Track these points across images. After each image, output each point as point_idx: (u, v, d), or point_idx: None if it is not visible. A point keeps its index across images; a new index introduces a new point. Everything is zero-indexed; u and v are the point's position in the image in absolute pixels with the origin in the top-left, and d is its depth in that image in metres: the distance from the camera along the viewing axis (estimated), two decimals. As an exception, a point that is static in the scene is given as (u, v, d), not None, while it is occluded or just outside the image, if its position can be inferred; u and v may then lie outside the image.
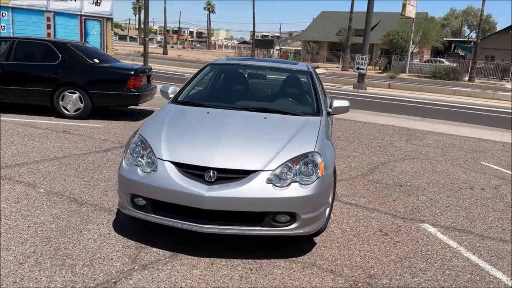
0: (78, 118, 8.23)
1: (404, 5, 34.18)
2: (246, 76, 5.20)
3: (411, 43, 37.29)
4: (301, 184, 3.24)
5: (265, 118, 4.02)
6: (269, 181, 3.19)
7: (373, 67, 40.58)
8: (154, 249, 3.38)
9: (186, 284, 2.94)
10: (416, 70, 37.00)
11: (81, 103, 8.24)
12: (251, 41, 52.64)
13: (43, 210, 3.98)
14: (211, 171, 3.20)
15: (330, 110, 4.47)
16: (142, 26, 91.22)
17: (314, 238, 3.72)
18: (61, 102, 8.23)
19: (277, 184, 3.19)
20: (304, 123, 3.96)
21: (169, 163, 3.31)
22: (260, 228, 3.22)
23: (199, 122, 3.91)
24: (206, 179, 3.19)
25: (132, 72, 8.47)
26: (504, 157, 7.69)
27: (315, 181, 3.29)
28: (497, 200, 5.18)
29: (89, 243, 3.41)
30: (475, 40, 48.73)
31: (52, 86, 8.16)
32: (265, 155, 3.34)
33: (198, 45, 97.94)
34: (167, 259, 3.24)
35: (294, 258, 3.37)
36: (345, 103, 4.54)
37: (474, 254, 3.66)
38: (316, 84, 4.77)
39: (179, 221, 3.26)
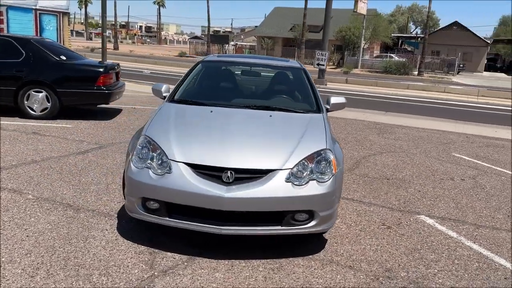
0: (45, 118, 7.80)
1: (356, 2, 35.14)
2: (240, 73, 5.14)
3: (362, 39, 38.39)
4: (318, 181, 3.25)
5: (271, 116, 3.99)
6: (288, 180, 3.18)
7: (327, 63, 41.39)
8: (169, 254, 3.28)
9: (217, 285, 2.87)
10: (368, 65, 38.13)
11: (48, 102, 7.81)
12: (203, 36, 52.16)
13: (38, 217, 3.75)
14: (229, 172, 3.14)
15: (328, 106, 4.51)
16: (88, 20, 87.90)
17: (324, 235, 3.75)
18: (26, 102, 7.77)
19: (295, 183, 3.19)
20: (309, 121, 3.97)
21: (183, 164, 3.21)
22: (279, 227, 3.20)
23: (205, 121, 3.81)
24: (224, 179, 3.13)
25: (102, 69, 8.14)
26: (471, 148, 8.11)
27: (330, 178, 3.31)
28: (478, 190, 5.45)
29: (98, 251, 3.25)
30: (422, 36, 50.94)
31: (16, 85, 7.68)
32: (281, 154, 3.32)
33: (148, 40, 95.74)
34: (185, 263, 3.16)
35: (311, 256, 3.38)
36: (341, 99, 4.60)
37: (474, 243, 3.84)
38: (312, 81, 4.79)
39: (197, 224, 3.17)
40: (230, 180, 3.13)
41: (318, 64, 19.53)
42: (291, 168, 3.22)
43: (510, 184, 5.79)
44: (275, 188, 3.13)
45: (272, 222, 3.20)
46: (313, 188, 3.21)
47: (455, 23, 44.17)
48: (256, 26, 63.28)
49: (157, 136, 3.49)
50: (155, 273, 3.00)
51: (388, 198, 4.89)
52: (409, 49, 50.11)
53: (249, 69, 5.14)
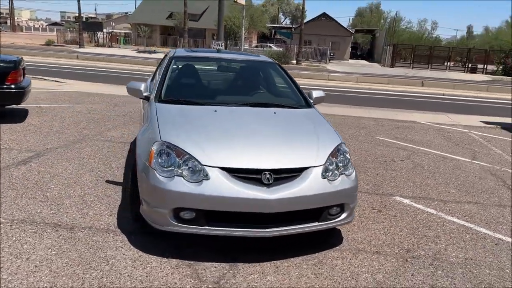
0: None
1: (236, -9, 35.64)
2: (217, 69, 4.98)
3: (243, 28, 39.22)
4: (346, 175, 3.39)
5: (275, 113, 3.99)
6: (323, 176, 3.25)
7: (210, 52, 41.48)
8: (207, 264, 3.13)
9: (278, 292, 2.85)
10: (249, 54, 39.16)
11: None
12: (64, 22, 47.87)
13: (32, 243, 3.24)
14: (267, 173, 3.10)
15: (311, 100, 4.65)
16: None
17: (333, 225, 3.91)
18: None
19: (330, 178, 3.28)
20: (310, 116, 4.08)
21: (219, 169, 3.08)
22: (317, 223, 3.27)
23: (218, 122, 3.65)
24: (264, 181, 3.08)
25: (12, 65, 7.12)
26: (386, 131, 9.00)
27: (353, 171, 3.49)
28: (420, 169, 6.13)
29: (131, 272, 2.96)
30: (293, 26, 53.91)
31: None
32: (309, 151, 3.38)
33: (0, 28, 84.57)
34: (231, 271, 3.05)
35: (338, 247, 3.52)
36: (321, 93, 4.77)
37: (453, 217, 4.37)
38: (290, 75, 4.87)
39: (239, 229, 3.08)
40: (270, 182, 3.09)
41: (214, 54, 19.54)
42: (324, 164, 3.30)
43: (440, 161, 6.63)
44: (314, 185, 3.18)
45: (311, 219, 3.25)
46: (343, 182, 3.34)
47: (323, 14, 47.66)
48: (126, 13, 60.26)
49: (178, 141, 3.26)
50: (209, 286, 2.86)
51: (358, 183, 5.24)
52: (284, 39, 52.68)
53: (226, 65, 5.01)
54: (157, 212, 3.12)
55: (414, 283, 3.05)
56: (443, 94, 18.37)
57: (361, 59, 53.24)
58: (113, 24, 67.81)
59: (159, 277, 2.91)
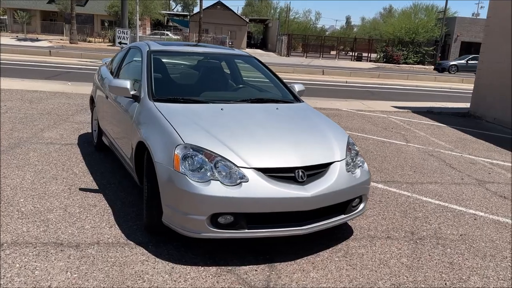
0: None
1: (129, -23, 33.82)
2: (197, 63, 4.72)
3: (138, 15, 37.49)
4: (361, 167, 3.53)
5: (277, 108, 3.97)
6: (347, 169, 3.35)
7: (102, 39, 38.99)
8: (245, 267, 3.04)
9: (328, 285, 2.88)
10: (146, 43, 37.63)
11: None
12: None
13: (45, 269, 2.84)
14: (300, 171, 3.11)
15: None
16: None
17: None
18: None
19: (352, 171, 3.39)
20: (308, 111, 4.13)
21: (255, 170, 3.00)
22: (343, 216, 3.36)
23: (230, 121, 3.50)
24: (298, 179, 3.08)
25: None
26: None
27: (364, 162, 3.64)
28: (370, 154, 6.55)
29: (176, 286, 2.76)
30: (189, 14, 53.02)
31: None
32: (329, 146, 3.44)
33: None
34: (273, 272, 3.01)
35: (353, 236, 3.66)
36: (302, 86, 4.83)
37: (426, 197, 4.79)
38: (270, 68, 4.84)
39: (279, 229, 3.04)
40: (304, 179, 3.10)
41: (120, 43, 18.39)
42: (345, 158, 3.40)
43: (382, 146, 7.16)
44: (342, 179, 3.26)
45: (338, 212, 3.33)
46: (361, 174, 3.47)
47: (219, 3, 47.57)
48: (-2, -4, 53.56)
49: (203, 142, 3.10)
50: (263, 290, 2.79)
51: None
52: (180, 27, 51.54)
53: (207, 59, 4.78)
54: (192, 220, 2.93)
55: (436, 262, 3.32)
56: (346, 82, 19.72)
57: (256, 48, 54.46)
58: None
59: (207, 288, 2.77)
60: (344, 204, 3.33)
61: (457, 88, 21.19)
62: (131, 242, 3.28)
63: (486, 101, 10.85)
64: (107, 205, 3.93)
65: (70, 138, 6.15)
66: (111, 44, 37.20)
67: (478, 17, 47.09)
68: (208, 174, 2.95)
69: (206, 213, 2.90)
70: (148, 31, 47.87)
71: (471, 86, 22.68)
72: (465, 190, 5.12)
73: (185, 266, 2.99)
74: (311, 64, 31.06)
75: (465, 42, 41.48)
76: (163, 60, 4.44)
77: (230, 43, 42.53)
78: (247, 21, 51.04)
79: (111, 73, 5.17)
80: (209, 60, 4.78)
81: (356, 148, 3.67)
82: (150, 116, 3.55)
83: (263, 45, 57.19)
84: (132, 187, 4.44)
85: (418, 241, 3.66)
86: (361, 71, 26.29)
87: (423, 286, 2.98)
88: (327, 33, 70.24)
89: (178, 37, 39.68)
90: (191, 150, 3.04)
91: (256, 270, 3.02)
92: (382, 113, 10.71)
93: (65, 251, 3.08)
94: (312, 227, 3.14)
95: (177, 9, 74.00)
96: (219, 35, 40.88)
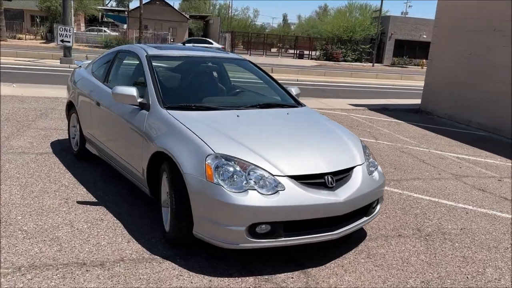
0: None
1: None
2: (201, 69, 4.59)
3: (72, 11, 35.72)
4: (378, 171, 3.65)
5: (288, 113, 3.98)
6: (369, 173, 3.45)
7: (34, 36, 36.65)
8: (282, 275, 3.04)
9: (365, 287, 2.96)
10: (83, 40, 35.93)
11: None
12: None
13: (77, 292, 2.66)
14: (329, 176, 3.15)
15: (294, 98, 4.72)
16: None
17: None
18: None
19: (372, 175, 3.49)
20: (316, 115, 4.18)
21: (289, 178, 3.00)
22: (366, 218, 3.45)
23: (251, 128, 3.46)
24: (328, 185, 3.12)
25: None
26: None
27: (377, 164, 3.76)
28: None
29: (221, 300, 2.71)
30: (127, 9, 51.20)
31: None
32: (349, 150, 3.51)
33: None
34: (310, 278, 3.03)
35: (368, 237, 3.77)
36: (298, 90, 4.87)
37: (416, 193, 5.03)
38: (266, 72, 4.82)
39: (314, 235, 3.07)
40: (333, 184, 3.15)
41: (62, 41, 17.37)
42: (365, 162, 3.50)
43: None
44: (366, 182, 3.35)
45: (362, 215, 3.41)
46: (379, 177, 3.58)
47: (158, -1, 46.44)
48: None
49: (233, 151, 3.05)
50: (307, 297, 2.81)
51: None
52: (117, 23, 49.64)
53: (207, 64, 4.66)
54: (229, 231, 2.88)
55: (451, 257, 3.51)
56: (297, 80, 20.07)
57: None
58: None
59: (254, 299, 2.74)
60: (366, 207, 3.42)
61: (398, 84, 22.35)
62: (156, 256, 3.16)
63: (436, 97, 11.55)
64: (114, 218, 3.75)
65: (42, 146, 5.76)
66: (44, 41, 35.17)
67: (407, 16, 49.97)
68: (244, 183, 2.91)
69: (245, 224, 2.86)
70: (83, 28, 45.74)
71: (410, 83, 24.09)
72: (446, 185, 5.44)
73: (222, 278, 2.94)
74: (257, 62, 31.21)
75: (399, 40, 43.78)
76: (162, 64, 4.29)
77: (172, 40, 41.69)
78: (188, 17, 50.29)
79: (97, 78, 4.90)
80: (208, 64, 4.68)
81: (368, 151, 3.78)
82: (166, 125, 3.42)
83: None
84: (132, 197, 4.26)
85: (427, 238, 3.85)
86: (308, 69, 26.90)
87: (448, 281, 3.15)
88: (266, 30, 71.05)
89: (117, 33, 38.22)
90: (222, 159, 2.98)
91: (292, 278, 3.02)
92: (342, 111, 11.05)
93: (91, 271, 2.90)
94: (343, 231, 3.20)
95: (111, 4, 71.27)
96: (159, 32, 39.86)
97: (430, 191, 5.15)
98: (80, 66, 5.79)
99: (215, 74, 4.70)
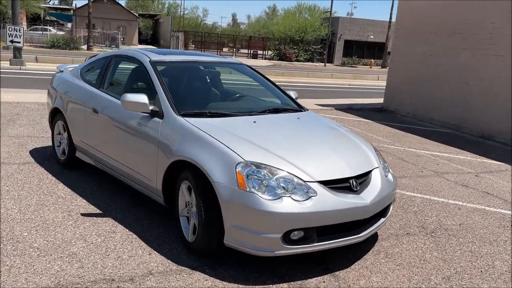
0: None
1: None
2: (200, 73, 4.49)
3: (19, 8, 33.78)
4: (390, 173, 3.77)
5: (298, 118, 4.01)
6: (385, 175, 3.55)
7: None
8: (313, 280, 3.07)
9: (393, 286, 3.06)
10: (27, 40, 33.93)
11: None
12: None
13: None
14: (353, 180, 3.22)
15: (294, 101, 4.75)
16: None
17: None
18: None
19: (388, 177, 3.60)
20: (322, 118, 4.25)
21: (318, 183, 3.04)
22: (383, 219, 3.54)
23: (271, 134, 3.46)
24: (353, 188, 3.19)
25: None
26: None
27: (389, 168, 3.89)
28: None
29: (263, 309, 2.70)
30: (73, 8, 49.14)
31: None
32: (364, 153, 3.61)
33: None
34: (341, 281, 3.08)
35: (380, 237, 3.88)
36: (296, 94, 4.91)
37: (408, 191, 5.22)
38: (265, 76, 4.83)
39: (343, 239, 3.12)
40: (357, 188, 3.22)
41: (12, 41, 16.38)
42: (381, 164, 3.60)
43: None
44: (385, 185, 3.45)
45: (380, 216, 3.50)
46: (393, 180, 3.70)
47: (105, -3, 44.99)
48: None
49: (262, 158, 3.05)
50: (345, 300, 2.86)
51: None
52: (62, 22, 47.51)
53: (209, 69, 4.58)
54: (264, 238, 2.86)
55: (460, 252, 3.69)
56: (258, 80, 20.14)
57: (146, 45, 52.71)
58: None
59: (296, 306, 2.75)
60: (385, 208, 3.52)
61: (354, 84, 23.05)
62: (184, 267, 3.08)
63: (398, 97, 12.04)
64: (126, 230, 3.62)
65: (21, 155, 5.43)
66: (-17, 41, 32.96)
67: (353, 17, 51.56)
68: (278, 190, 2.91)
69: (281, 231, 2.86)
70: (25, 27, 43.35)
71: (365, 82, 24.91)
72: (432, 182, 5.70)
73: (255, 287, 2.92)
74: (212, 62, 31.03)
75: (348, 41, 45.15)
76: (172, 70, 4.21)
77: (122, 39, 40.54)
78: (138, 16, 49.10)
79: (89, 84, 4.68)
80: (210, 70, 4.62)
81: (382, 157, 3.89)
82: (186, 133, 3.34)
83: (154, 41, 55.52)
84: (135, 205, 4.13)
85: (433, 234, 4.03)
86: (265, 69, 27.05)
87: (466, 276, 3.31)
88: (218, 30, 70.76)
89: (63, 33, 36.59)
90: (253, 167, 2.96)
91: (324, 282, 3.06)
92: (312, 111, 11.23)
93: (122, 286, 2.79)
94: (367, 233, 3.27)
95: (53, 2, 68.13)
96: (108, 31, 38.58)
97: (419, 189, 5.37)
98: (62, 71, 5.52)
99: (219, 79, 4.67)
